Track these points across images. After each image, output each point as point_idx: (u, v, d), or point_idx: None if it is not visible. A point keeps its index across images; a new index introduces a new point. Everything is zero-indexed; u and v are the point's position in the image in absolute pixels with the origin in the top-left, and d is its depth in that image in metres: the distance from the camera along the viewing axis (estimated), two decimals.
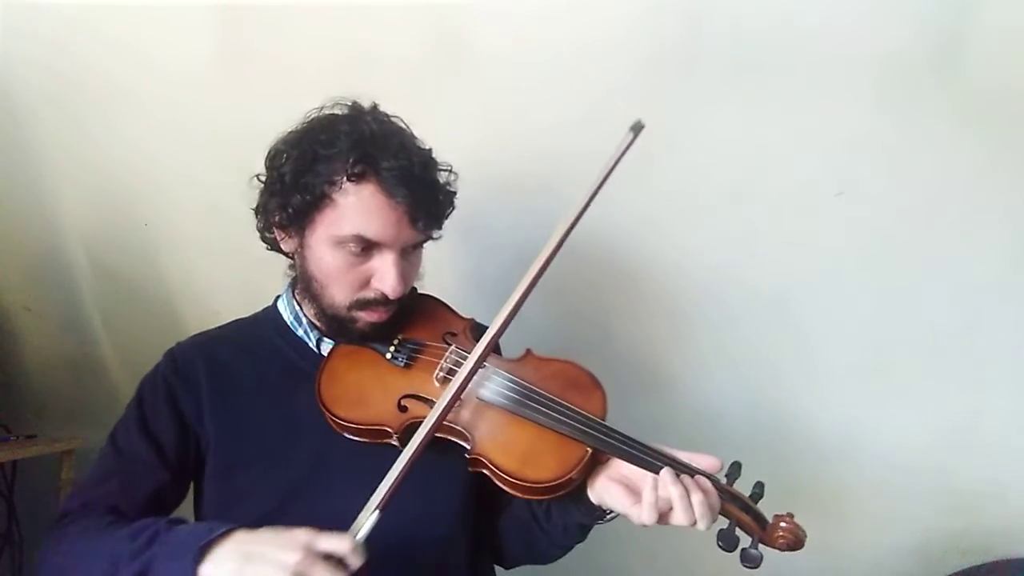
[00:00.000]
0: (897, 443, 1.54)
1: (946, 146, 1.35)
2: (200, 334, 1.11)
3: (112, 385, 1.80)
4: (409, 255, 1.01)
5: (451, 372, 0.97)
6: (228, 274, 1.63)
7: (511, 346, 1.14)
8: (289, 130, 1.02)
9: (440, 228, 1.05)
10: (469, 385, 0.92)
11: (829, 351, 1.51)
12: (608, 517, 0.95)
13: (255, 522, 0.81)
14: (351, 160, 0.94)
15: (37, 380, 1.87)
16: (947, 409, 1.51)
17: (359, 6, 1.41)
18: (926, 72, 1.31)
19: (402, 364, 1.02)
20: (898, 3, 1.28)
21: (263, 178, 1.04)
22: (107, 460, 1.00)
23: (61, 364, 1.83)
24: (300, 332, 1.09)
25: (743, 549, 0.88)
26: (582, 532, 1.01)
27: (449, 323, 1.10)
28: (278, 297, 1.14)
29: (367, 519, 0.80)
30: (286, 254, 1.08)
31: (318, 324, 1.08)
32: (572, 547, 1.05)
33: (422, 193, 0.97)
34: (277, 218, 1.01)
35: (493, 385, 0.97)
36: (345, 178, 0.94)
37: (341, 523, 0.79)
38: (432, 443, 0.87)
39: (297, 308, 1.09)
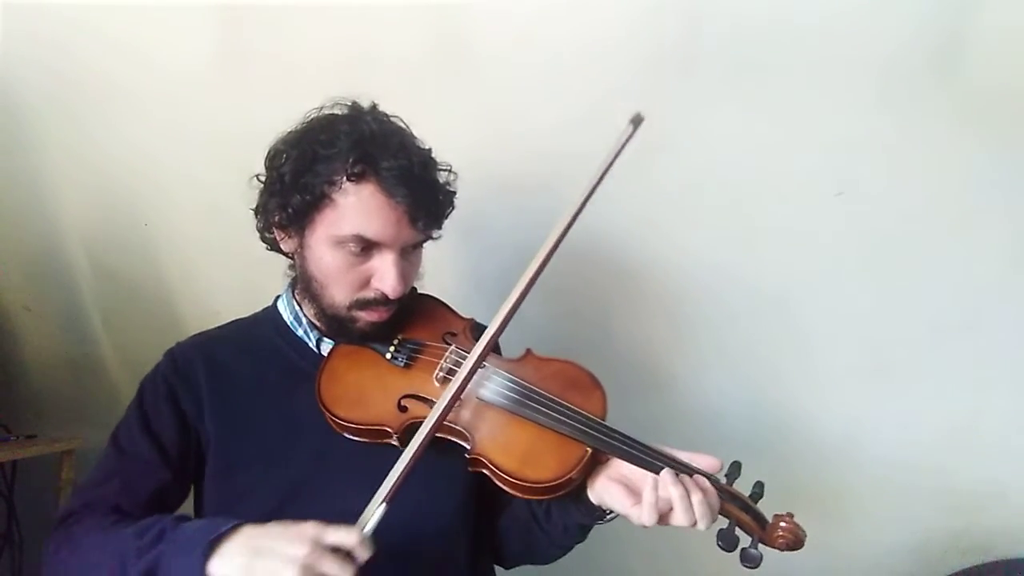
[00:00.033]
0: (897, 443, 1.54)
1: (946, 146, 1.35)
2: (200, 334, 1.11)
3: (112, 385, 1.80)
4: (409, 255, 1.01)
5: (451, 372, 0.97)
6: (228, 274, 1.63)
7: (511, 346, 1.13)
8: (289, 130, 1.02)
9: (440, 228, 1.05)
10: (469, 385, 0.92)
11: (829, 351, 1.51)
12: (608, 517, 0.95)
13: (255, 522, 0.80)
14: (351, 160, 0.94)
15: (37, 380, 1.87)
16: (947, 409, 1.51)
17: (359, 6, 1.41)
18: (926, 72, 1.31)
19: (402, 364, 1.02)
20: (898, 3, 1.28)
21: (263, 178, 1.04)
22: (109, 460, 1.00)
23: (61, 364, 1.83)
24: (300, 332, 1.09)
25: (743, 549, 0.88)
26: (582, 532, 1.01)
27: (449, 323, 1.10)
28: (278, 297, 1.14)
29: (374, 512, 0.81)
30: (286, 254, 1.08)
31: (318, 324, 1.08)
32: (572, 547, 1.05)
33: (422, 193, 0.97)
34: (277, 218, 1.01)
35: (493, 385, 0.97)
36: (345, 178, 0.94)
37: (341, 523, 0.79)
38: (432, 443, 0.87)
39: (297, 308, 1.09)
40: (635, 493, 0.90)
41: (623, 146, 0.96)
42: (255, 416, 1.01)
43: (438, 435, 0.90)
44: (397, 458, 0.85)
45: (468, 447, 0.94)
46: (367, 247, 0.97)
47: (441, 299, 1.15)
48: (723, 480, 0.92)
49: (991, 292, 1.43)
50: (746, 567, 0.88)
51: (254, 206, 1.05)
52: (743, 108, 1.37)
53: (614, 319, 1.58)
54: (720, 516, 0.89)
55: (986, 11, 1.28)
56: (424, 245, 1.05)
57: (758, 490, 0.93)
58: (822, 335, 1.51)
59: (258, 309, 1.16)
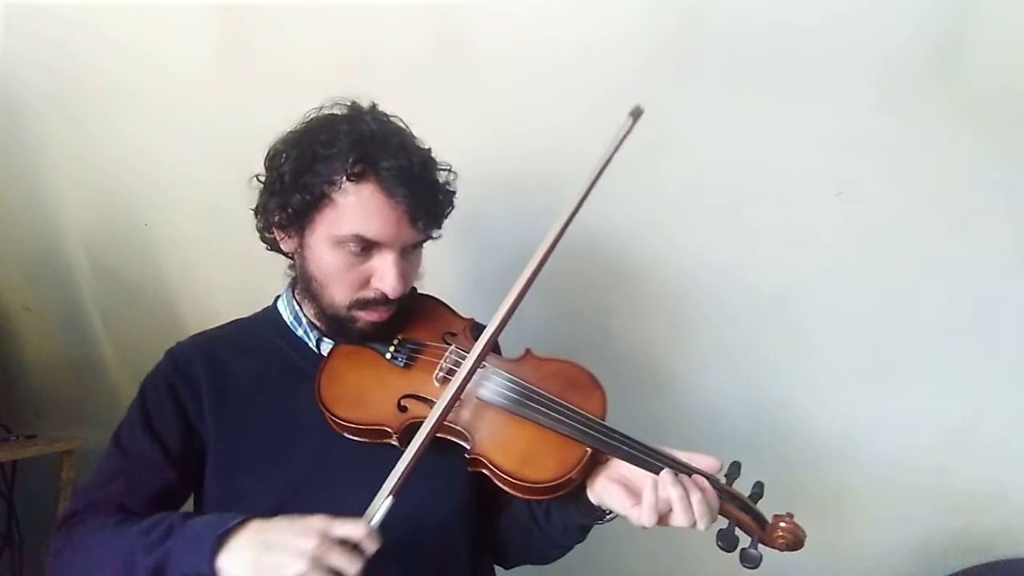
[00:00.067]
0: (897, 443, 1.54)
1: (946, 146, 1.35)
2: (200, 334, 1.11)
3: (112, 385, 1.80)
4: (409, 255, 1.01)
5: (451, 372, 0.97)
6: (228, 274, 1.63)
7: (511, 346, 1.13)
8: (288, 130, 1.02)
9: (440, 228, 1.05)
10: (469, 385, 0.92)
11: (829, 351, 1.51)
12: (607, 518, 0.95)
13: None
14: (350, 160, 0.94)
15: (37, 380, 1.87)
16: (947, 409, 1.51)
17: (359, 6, 1.41)
18: (926, 72, 1.31)
19: (402, 364, 1.02)
20: (898, 3, 1.28)
21: (263, 178, 1.04)
22: (112, 460, 1.00)
23: (61, 364, 1.84)
24: (300, 332, 1.09)
25: (743, 549, 0.88)
26: (581, 532, 1.01)
27: (449, 323, 1.10)
28: (278, 297, 1.14)
29: (381, 505, 0.81)
30: (286, 254, 1.08)
31: (318, 324, 1.08)
32: (571, 547, 1.05)
33: (422, 193, 0.97)
34: (277, 218, 1.01)
35: (493, 385, 0.97)
36: (344, 178, 0.94)
37: None
38: (432, 443, 0.87)
39: (297, 308, 1.09)
40: (635, 494, 0.90)
41: (623, 139, 0.96)
42: (255, 416, 1.01)
43: (438, 435, 0.90)
44: (397, 458, 0.86)
45: (468, 447, 0.94)
46: (367, 247, 0.97)
47: (441, 299, 1.15)
48: (723, 480, 0.92)
49: (991, 292, 1.43)
50: (746, 567, 0.87)
51: (254, 206, 1.05)
52: (743, 108, 1.37)
53: (614, 319, 1.58)
54: (720, 516, 0.89)
55: (986, 11, 1.27)
56: (424, 245, 1.05)
57: (758, 490, 0.93)
58: (822, 335, 1.51)
59: (258, 309, 1.16)
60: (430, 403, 0.96)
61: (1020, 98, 1.31)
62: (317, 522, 0.78)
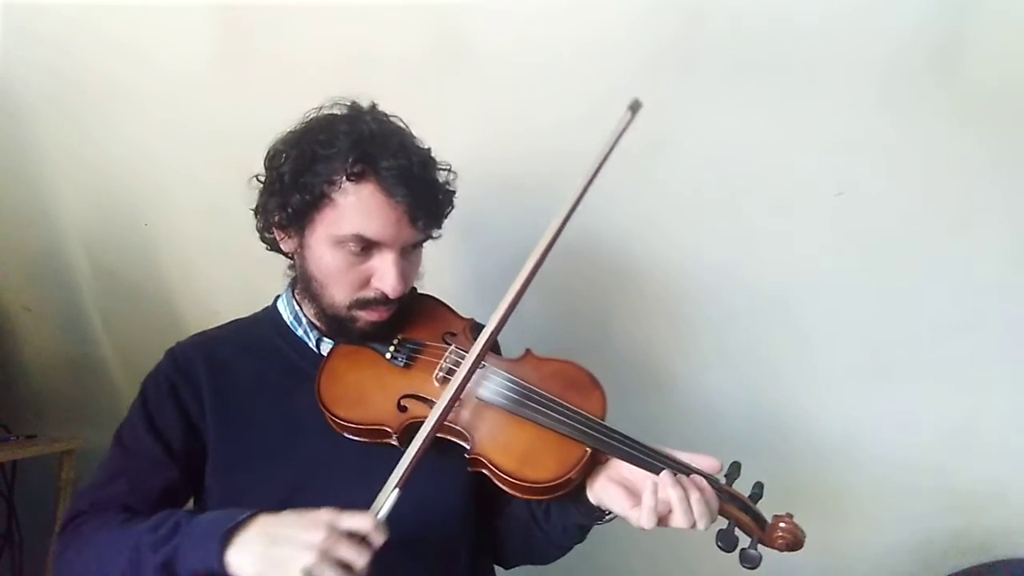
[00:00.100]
0: (897, 443, 1.54)
1: (946, 146, 1.35)
2: (200, 333, 1.11)
3: (112, 385, 1.80)
4: (409, 254, 1.01)
5: (451, 372, 0.97)
6: (228, 274, 1.63)
7: (511, 346, 1.13)
8: (288, 130, 1.02)
9: (440, 227, 1.05)
10: (468, 385, 0.92)
11: (829, 351, 1.51)
12: (607, 518, 0.95)
13: None
14: (350, 160, 0.94)
15: (37, 380, 1.87)
16: (947, 409, 1.51)
17: (359, 6, 1.41)
18: (926, 72, 1.31)
19: (402, 364, 1.02)
20: (898, 3, 1.28)
21: (262, 178, 1.04)
22: (114, 460, 1.00)
23: (61, 364, 1.83)
24: (300, 332, 1.09)
25: (742, 549, 0.88)
26: (581, 533, 1.01)
27: (449, 323, 1.10)
28: (278, 297, 1.14)
29: (387, 497, 0.82)
30: (286, 254, 1.08)
31: (318, 324, 1.08)
32: (571, 548, 1.05)
33: (421, 192, 0.97)
34: (276, 218, 1.01)
35: (492, 385, 0.97)
36: (344, 178, 0.94)
37: None
38: (432, 443, 0.87)
39: (297, 308, 1.09)
40: (634, 494, 0.90)
41: (621, 133, 0.96)
42: (255, 416, 1.01)
43: (438, 435, 0.90)
44: (397, 457, 0.86)
45: (468, 447, 0.94)
46: (367, 247, 0.97)
47: (441, 299, 1.15)
48: (723, 481, 0.92)
49: (991, 292, 1.43)
50: (745, 568, 0.87)
51: (254, 206, 1.05)
52: (743, 108, 1.37)
53: (614, 319, 1.58)
54: (720, 517, 0.89)
55: (986, 11, 1.27)
56: (424, 245, 1.05)
57: (758, 491, 0.93)
58: (822, 335, 1.50)
59: (258, 309, 1.16)
60: (430, 403, 0.96)
61: (1020, 98, 1.31)
62: (325, 515, 0.78)
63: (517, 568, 1.20)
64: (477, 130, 1.43)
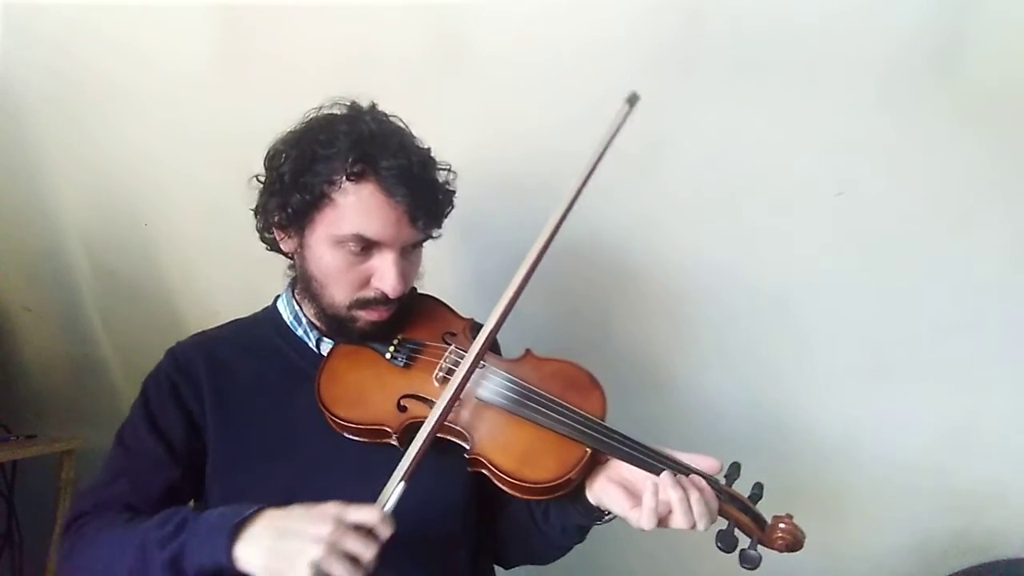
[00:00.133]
0: (897, 443, 1.54)
1: (946, 146, 1.35)
2: (199, 333, 1.11)
3: (112, 385, 1.80)
4: (409, 254, 1.01)
5: (450, 372, 0.97)
6: (228, 274, 1.63)
7: (511, 346, 1.14)
8: (288, 130, 1.02)
9: (440, 227, 1.05)
10: (468, 385, 0.92)
11: (829, 351, 1.51)
12: (606, 518, 0.95)
13: None
14: (350, 159, 0.94)
15: (37, 380, 1.87)
16: (947, 409, 1.51)
17: (359, 6, 1.41)
18: (926, 72, 1.31)
19: (401, 364, 1.02)
20: (898, 3, 1.28)
21: (262, 178, 1.04)
22: (116, 460, 1.00)
23: (61, 364, 1.84)
24: (300, 332, 1.09)
25: (742, 550, 0.88)
26: (580, 533, 1.01)
27: (449, 323, 1.10)
28: (278, 297, 1.14)
29: (393, 490, 0.82)
30: (286, 254, 1.08)
31: (318, 324, 1.08)
32: (570, 548, 1.05)
33: (421, 192, 0.97)
34: (276, 218, 1.01)
35: (492, 385, 0.97)
36: (344, 177, 0.94)
37: None
38: (432, 443, 0.87)
39: (297, 308, 1.09)
40: (634, 495, 0.90)
41: (620, 126, 0.96)
42: (255, 416, 1.01)
43: (437, 435, 0.90)
44: (397, 457, 0.86)
45: (467, 447, 0.94)
46: (367, 246, 0.97)
47: (441, 299, 1.15)
48: (722, 481, 0.92)
49: (991, 292, 1.43)
50: (745, 568, 0.87)
51: (254, 206, 1.05)
52: (743, 108, 1.37)
53: (614, 319, 1.58)
54: (719, 517, 0.89)
55: (986, 10, 1.27)
56: (424, 245, 1.05)
57: (757, 491, 0.93)
58: (822, 335, 1.50)
59: (258, 309, 1.16)
60: (430, 403, 0.96)
61: (1020, 98, 1.31)
62: (332, 508, 0.79)
63: (517, 568, 1.20)
64: (477, 130, 1.43)
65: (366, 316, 1.01)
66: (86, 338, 1.78)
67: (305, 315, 1.08)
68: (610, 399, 0.98)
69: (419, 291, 1.13)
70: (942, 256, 1.42)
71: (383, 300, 1.00)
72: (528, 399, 0.95)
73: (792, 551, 0.89)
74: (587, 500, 0.94)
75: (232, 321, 1.15)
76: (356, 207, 0.95)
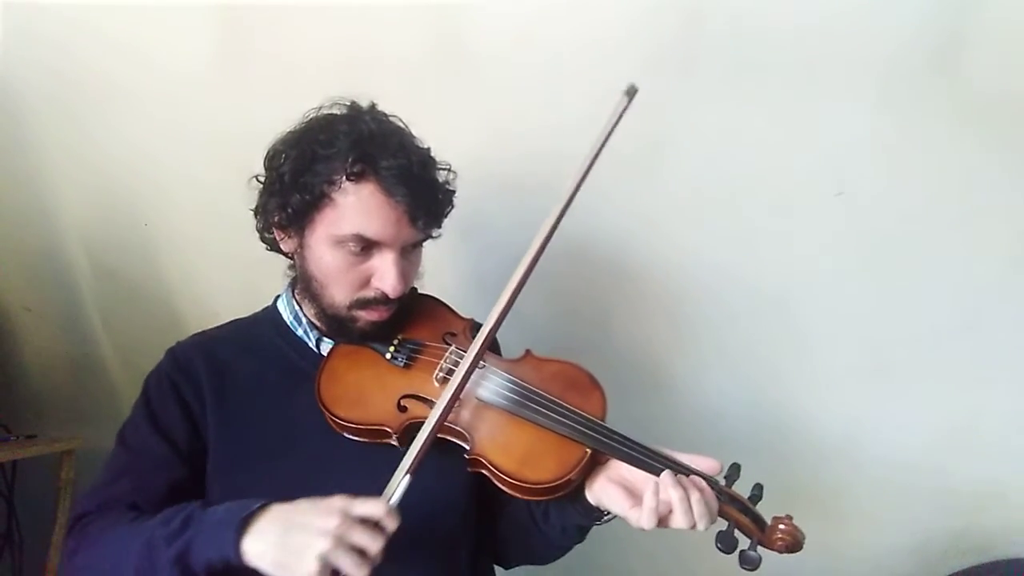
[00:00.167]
0: (897, 443, 1.54)
1: (946, 146, 1.35)
2: (199, 333, 1.11)
3: (112, 385, 1.80)
4: (409, 254, 1.01)
5: (451, 372, 0.97)
6: (228, 274, 1.63)
7: (511, 346, 1.14)
8: (288, 130, 1.02)
9: (440, 227, 1.05)
10: (468, 386, 0.92)
11: (829, 351, 1.51)
12: (606, 518, 0.95)
13: None
14: (350, 159, 0.94)
15: (37, 380, 1.87)
16: (947, 409, 1.51)
17: (359, 6, 1.41)
18: (926, 72, 1.31)
19: (402, 364, 1.02)
20: (898, 3, 1.28)
21: (262, 178, 1.04)
22: (118, 459, 1.00)
23: (61, 364, 1.83)
24: (300, 332, 1.09)
25: (742, 551, 0.88)
26: (580, 533, 1.01)
27: (449, 323, 1.10)
28: (278, 297, 1.14)
29: (399, 483, 0.83)
30: (286, 254, 1.08)
31: (318, 324, 1.08)
32: (570, 548, 1.05)
33: (421, 192, 0.97)
34: (276, 218, 1.01)
35: (492, 386, 0.97)
36: (344, 177, 0.94)
37: None
38: (432, 443, 0.87)
39: (297, 308, 1.09)
40: (634, 495, 0.90)
41: (619, 118, 0.96)
42: (255, 416, 1.01)
43: (438, 436, 0.90)
44: (396, 458, 0.86)
45: (467, 447, 0.94)
46: (367, 246, 0.97)
47: (441, 299, 1.15)
48: (722, 482, 0.92)
49: (991, 292, 1.43)
50: (745, 569, 0.87)
51: (254, 206, 1.05)
52: (743, 108, 1.37)
53: (614, 319, 1.58)
54: (719, 518, 0.89)
55: (986, 11, 1.27)
56: (424, 245, 1.05)
57: (757, 492, 0.93)
58: (822, 335, 1.51)
59: (258, 309, 1.16)
60: (430, 403, 0.96)
61: (1020, 98, 1.31)
62: (338, 502, 0.79)
63: (517, 568, 1.20)
64: (477, 130, 1.43)
65: (366, 316, 1.01)
66: (86, 338, 1.78)
67: (305, 315, 1.08)
68: (610, 399, 0.98)
69: (419, 291, 1.13)
70: (942, 256, 1.42)
71: (383, 300, 1.00)
72: (528, 400, 0.95)
73: (792, 552, 0.89)
74: (587, 500, 0.94)
75: (232, 321, 1.15)
76: (356, 207, 0.95)
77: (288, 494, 0.95)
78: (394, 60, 1.43)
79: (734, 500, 0.90)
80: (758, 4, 1.32)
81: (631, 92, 0.98)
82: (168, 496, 0.96)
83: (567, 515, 0.98)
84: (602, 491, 0.92)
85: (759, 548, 0.89)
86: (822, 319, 1.49)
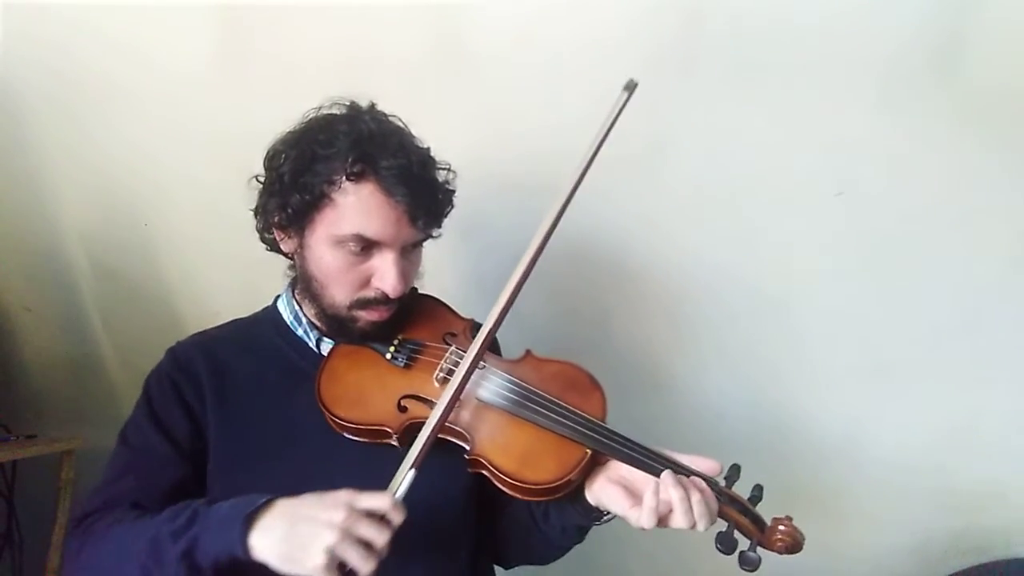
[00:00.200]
0: (897, 443, 1.54)
1: (946, 146, 1.35)
2: (199, 333, 1.11)
3: (112, 385, 1.80)
4: (409, 254, 1.01)
5: (451, 372, 0.97)
6: (227, 274, 1.63)
7: (511, 346, 1.14)
8: (287, 130, 1.02)
9: (440, 226, 1.05)
10: (468, 386, 0.92)
11: (829, 351, 1.51)
12: (606, 518, 0.95)
13: None
14: (350, 159, 0.94)
15: (37, 380, 1.87)
16: (947, 409, 1.51)
17: (359, 6, 1.41)
18: (926, 72, 1.31)
19: (402, 364, 1.02)
20: (898, 3, 1.28)
21: (262, 179, 1.04)
22: (121, 459, 0.99)
23: (61, 364, 1.83)
24: (300, 332, 1.09)
25: (741, 552, 0.88)
26: (580, 533, 1.01)
27: (449, 323, 1.10)
28: (278, 297, 1.14)
29: (404, 477, 0.83)
30: (285, 254, 1.08)
31: (318, 324, 1.08)
32: (570, 548, 1.05)
33: (421, 191, 0.97)
34: (276, 218, 1.01)
35: (492, 386, 0.97)
36: (344, 177, 0.94)
37: None
38: (433, 443, 0.87)
39: (297, 308, 1.09)
40: (633, 495, 0.90)
41: (619, 113, 0.96)
42: (255, 415, 1.01)
43: (438, 436, 0.90)
44: (396, 458, 0.86)
45: (468, 448, 0.94)
46: (367, 246, 0.97)
47: (441, 299, 1.15)
48: (722, 483, 0.92)
49: (991, 292, 1.43)
50: (745, 570, 0.87)
51: (254, 206, 1.05)
52: (743, 108, 1.37)
53: (614, 319, 1.58)
54: (719, 519, 0.89)
55: (986, 11, 1.27)
56: (424, 245, 1.05)
57: (757, 493, 0.93)
58: (822, 335, 1.51)
59: (258, 309, 1.16)
60: (430, 403, 0.96)
61: (1020, 98, 1.31)
62: (344, 495, 0.79)
63: (517, 568, 1.20)
64: (477, 130, 1.43)
65: (366, 316, 1.01)
66: (86, 338, 1.78)
67: (305, 315, 1.08)
68: (610, 399, 0.98)
69: (419, 291, 1.13)
70: (942, 256, 1.42)
71: (383, 300, 1.00)
72: (528, 400, 0.95)
73: (792, 553, 0.89)
74: (586, 500, 0.94)
75: (232, 321, 1.15)
76: (356, 207, 0.95)
77: (288, 494, 0.95)
78: (394, 60, 1.43)
79: (734, 501, 0.90)
80: (758, 4, 1.32)
81: (630, 87, 0.98)
82: (171, 495, 0.96)
83: (567, 515, 0.98)
84: (602, 491, 0.92)
85: (759, 549, 0.89)
86: (822, 319, 1.49)
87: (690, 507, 0.85)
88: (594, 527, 0.99)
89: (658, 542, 1.46)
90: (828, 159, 1.39)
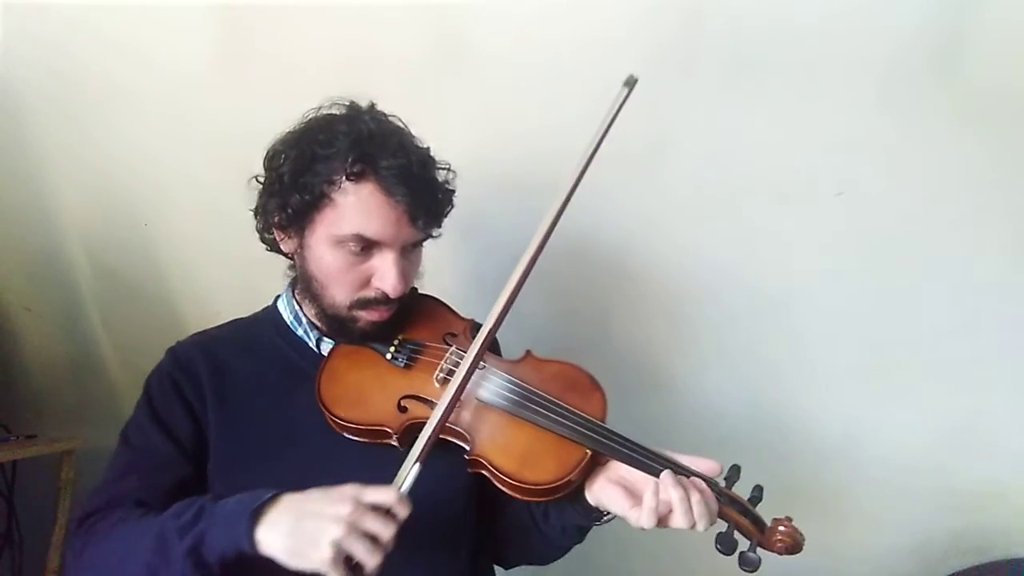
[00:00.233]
0: (897, 443, 1.54)
1: (946, 146, 1.35)
2: (199, 333, 1.11)
3: (112, 385, 1.79)
4: (409, 254, 1.01)
5: (451, 373, 0.97)
6: (228, 274, 1.63)
7: (511, 346, 1.14)
8: (287, 130, 1.02)
9: (440, 226, 1.05)
10: (469, 386, 0.92)
11: (829, 351, 1.51)
12: (605, 519, 0.95)
13: None
14: (350, 159, 0.94)
15: (37, 380, 1.87)
16: (947, 409, 1.51)
17: (359, 6, 1.41)
18: (926, 72, 1.31)
19: (402, 364, 1.02)
20: (898, 3, 1.28)
21: (262, 179, 1.04)
22: (123, 458, 0.99)
23: (61, 364, 1.83)
24: (300, 332, 1.09)
25: (741, 553, 0.88)
26: (580, 533, 1.01)
27: (449, 323, 1.10)
28: (278, 297, 1.14)
29: (408, 471, 0.83)
30: (285, 255, 1.08)
31: (318, 324, 1.08)
32: (570, 548, 1.05)
33: (421, 191, 0.97)
34: (276, 219, 1.01)
35: (492, 386, 0.97)
36: (344, 177, 0.94)
37: None
38: (433, 444, 0.87)
39: (297, 308, 1.09)
40: (633, 495, 0.90)
41: (619, 109, 0.96)
42: (255, 415, 1.01)
43: (439, 436, 0.90)
44: (396, 458, 0.86)
45: (468, 448, 0.94)
46: (367, 246, 0.97)
47: (441, 299, 1.15)
48: (722, 484, 0.92)
49: (991, 292, 1.43)
50: (745, 570, 0.87)
51: (254, 207, 1.05)
52: (743, 108, 1.37)
53: (614, 319, 1.58)
54: (719, 519, 0.89)
55: (986, 11, 1.28)
56: (424, 245, 1.05)
57: (757, 494, 0.93)
58: (822, 335, 1.51)
59: (258, 309, 1.16)
60: (430, 404, 0.96)
61: (1020, 98, 1.31)
62: (349, 489, 0.79)
63: (517, 568, 1.20)
64: (477, 130, 1.43)
65: (367, 316, 1.01)
66: (86, 338, 1.78)
67: (305, 315, 1.08)
68: (610, 400, 0.98)
69: (419, 291, 1.13)
70: (942, 256, 1.43)
71: (383, 300, 1.00)
72: (528, 400, 0.95)
73: (792, 553, 0.89)
74: (586, 500, 0.94)
75: (232, 321, 1.15)
76: (356, 207, 0.95)
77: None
78: (394, 60, 1.43)
79: (734, 502, 0.90)
80: (758, 4, 1.32)
81: (631, 83, 0.98)
82: (173, 494, 0.95)
83: (567, 515, 0.98)
84: (602, 491, 0.92)
85: (759, 549, 0.89)
86: (822, 319, 1.49)
87: (690, 507, 0.85)
88: (594, 527, 0.99)
89: (658, 542, 1.46)
90: (828, 159, 1.39)
